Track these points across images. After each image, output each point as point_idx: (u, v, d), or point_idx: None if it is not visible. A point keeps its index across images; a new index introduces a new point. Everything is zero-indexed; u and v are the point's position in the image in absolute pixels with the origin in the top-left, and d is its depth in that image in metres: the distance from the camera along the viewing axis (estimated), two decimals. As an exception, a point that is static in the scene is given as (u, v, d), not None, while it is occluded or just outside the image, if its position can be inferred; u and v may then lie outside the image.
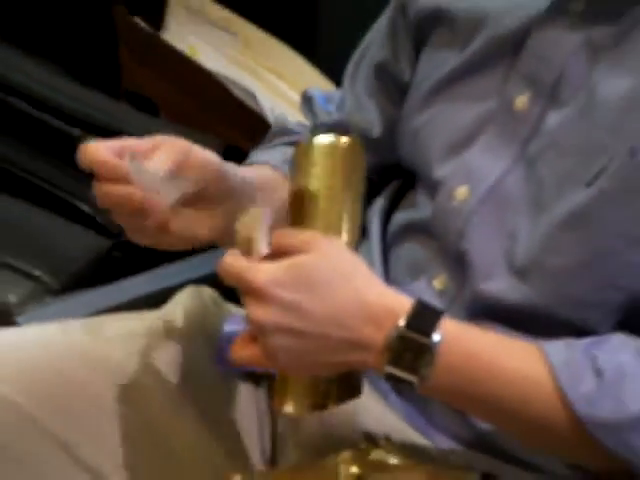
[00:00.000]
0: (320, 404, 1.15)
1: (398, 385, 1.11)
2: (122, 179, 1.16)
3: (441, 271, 1.25)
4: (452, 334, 1.09)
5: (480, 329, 1.14)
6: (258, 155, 1.43)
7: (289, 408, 1.14)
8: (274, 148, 1.43)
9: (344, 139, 1.22)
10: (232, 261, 1.08)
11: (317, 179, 1.20)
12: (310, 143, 1.21)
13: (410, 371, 1.08)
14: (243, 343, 1.10)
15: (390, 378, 1.08)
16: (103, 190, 1.17)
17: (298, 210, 1.20)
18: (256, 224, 1.15)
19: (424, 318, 1.09)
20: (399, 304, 1.09)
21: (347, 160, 1.23)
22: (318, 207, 1.20)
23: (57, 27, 1.96)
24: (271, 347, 1.07)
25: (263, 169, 1.37)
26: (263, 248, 1.11)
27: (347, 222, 1.20)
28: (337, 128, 1.38)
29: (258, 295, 1.06)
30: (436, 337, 1.07)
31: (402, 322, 1.07)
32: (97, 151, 1.16)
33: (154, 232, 1.20)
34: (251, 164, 1.40)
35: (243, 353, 1.10)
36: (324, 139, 1.22)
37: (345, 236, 1.19)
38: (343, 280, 1.11)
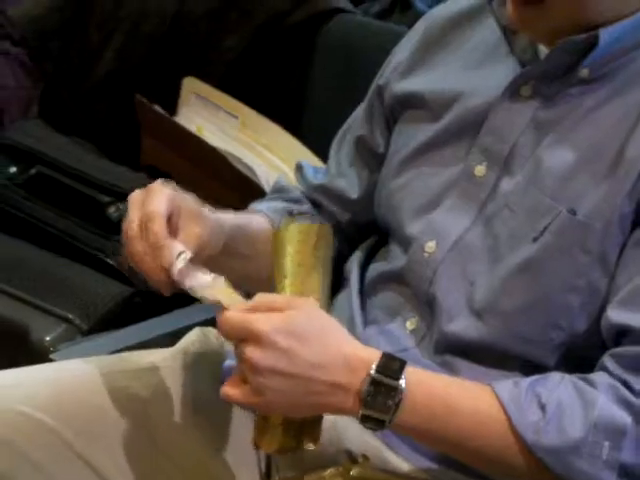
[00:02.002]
0: (289, 445, 1.13)
1: (371, 426, 1.10)
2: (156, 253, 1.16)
3: (413, 314, 1.24)
4: (415, 379, 1.08)
5: (438, 374, 1.14)
6: (256, 204, 1.41)
7: (265, 447, 1.15)
8: (269, 200, 1.42)
9: (314, 226, 1.24)
10: (233, 313, 1.07)
11: (291, 258, 1.19)
12: (286, 228, 1.21)
13: (382, 411, 1.07)
14: (233, 383, 1.08)
15: (364, 419, 1.07)
16: (139, 253, 1.17)
17: (279, 279, 1.19)
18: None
19: (391, 366, 1.08)
20: (370, 355, 1.09)
21: (316, 241, 1.21)
22: (295, 279, 1.19)
23: (90, 113, 1.96)
24: (262, 385, 1.05)
25: (257, 216, 1.36)
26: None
27: (320, 292, 1.19)
28: (319, 195, 1.42)
29: (258, 340, 1.04)
30: (402, 381, 1.06)
31: (373, 369, 1.06)
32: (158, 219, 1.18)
33: (171, 285, 1.19)
34: (248, 210, 1.39)
35: (232, 392, 1.08)
36: (296, 226, 1.22)
37: (318, 298, 1.18)
38: (325, 334, 1.10)
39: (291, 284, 1.17)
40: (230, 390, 1.07)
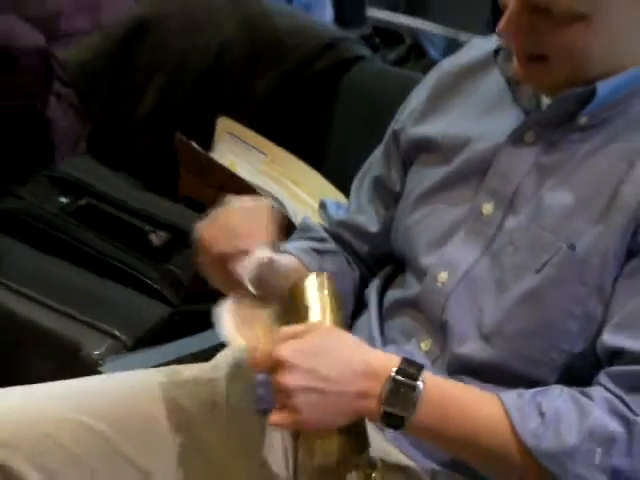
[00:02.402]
0: (343, 452, 1.12)
1: (390, 425, 1.09)
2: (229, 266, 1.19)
3: (427, 337, 1.24)
4: (431, 382, 1.08)
5: (452, 381, 1.14)
6: (285, 244, 1.38)
7: (318, 459, 1.13)
8: (296, 240, 1.40)
9: (320, 276, 1.20)
10: (256, 352, 1.09)
11: (306, 297, 1.18)
12: (302, 283, 1.18)
13: (401, 408, 1.07)
14: (276, 412, 1.08)
15: (385, 416, 1.07)
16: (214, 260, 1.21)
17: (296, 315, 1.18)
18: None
19: (410, 369, 1.08)
20: (390, 360, 1.09)
21: (327, 289, 1.19)
22: (312, 310, 1.18)
23: (133, 149, 1.94)
24: (297, 405, 1.05)
25: (286, 255, 1.34)
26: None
27: (333, 319, 1.18)
28: (342, 229, 1.40)
29: (284, 366, 1.05)
30: (420, 382, 1.06)
31: (394, 371, 1.06)
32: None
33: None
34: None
35: (277, 419, 1.08)
36: (309, 279, 1.20)
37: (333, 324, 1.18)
38: (345, 347, 1.11)
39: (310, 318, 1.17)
40: (275, 418, 1.08)
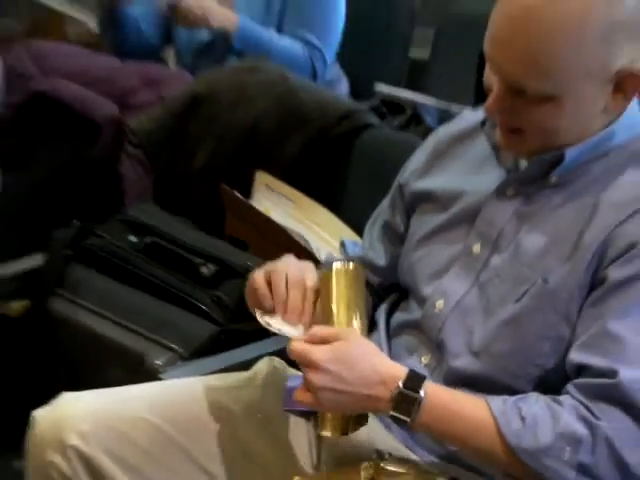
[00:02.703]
0: (344, 431, 1.11)
1: (397, 423, 1.09)
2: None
3: (427, 352, 1.23)
4: (431, 391, 1.08)
5: (448, 388, 1.13)
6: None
7: (326, 433, 1.12)
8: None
9: (350, 264, 1.19)
10: (298, 344, 1.08)
11: (337, 294, 1.16)
12: (332, 269, 1.18)
13: (406, 414, 1.07)
14: (301, 392, 1.08)
15: (393, 418, 1.08)
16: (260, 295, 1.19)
17: (327, 311, 1.16)
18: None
19: (414, 381, 1.08)
20: (399, 372, 1.08)
21: (355, 279, 1.18)
22: (339, 310, 1.16)
23: (188, 197, 1.95)
24: (320, 398, 1.06)
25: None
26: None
27: (359, 319, 1.16)
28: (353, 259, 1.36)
29: (314, 366, 1.05)
30: (422, 392, 1.06)
31: (401, 383, 1.06)
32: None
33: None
34: None
35: (301, 397, 1.08)
36: (339, 265, 1.18)
37: (359, 327, 1.15)
38: (365, 358, 1.09)
39: (338, 320, 1.15)
40: (299, 396, 1.08)
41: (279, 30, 2.27)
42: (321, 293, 1.17)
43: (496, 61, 1.10)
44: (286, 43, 2.23)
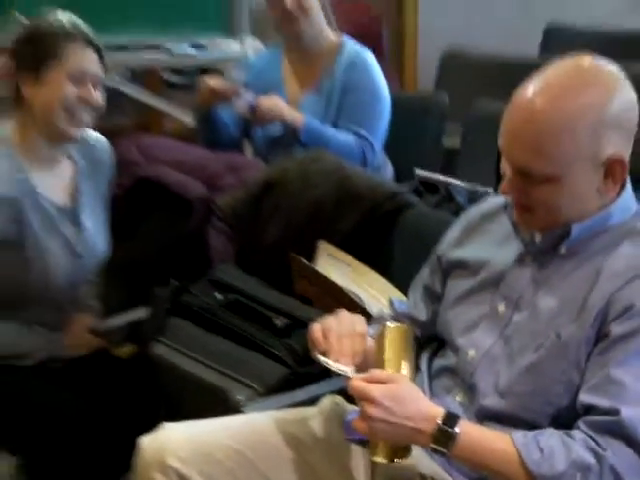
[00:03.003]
0: (392, 458, 1.12)
1: (437, 453, 1.11)
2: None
3: (461, 392, 1.23)
4: (465, 428, 1.09)
5: (478, 426, 1.13)
6: (369, 329, 1.36)
7: (378, 459, 1.13)
8: (373, 326, 1.37)
9: (402, 325, 1.22)
10: (358, 382, 1.09)
11: (390, 346, 1.18)
12: (386, 326, 1.20)
13: (443, 447, 1.08)
14: (359, 422, 1.09)
15: (433, 450, 1.09)
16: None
17: (383, 359, 1.17)
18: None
19: (450, 419, 1.09)
20: (438, 412, 1.10)
21: (405, 335, 1.19)
22: (391, 358, 1.17)
23: (263, 262, 1.93)
24: (373, 427, 1.08)
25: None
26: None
27: (407, 366, 1.16)
28: (403, 318, 1.38)
29: (372, 402, 1.08)
30: (457, 429, 1.05)
31: (440, 421, 1.08)
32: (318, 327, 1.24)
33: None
34: None
35: (358, 426, 1.10)
36: (393, 325, 1.21)
37: (407, 373, 1.17)
38: (412, 398, 1.11)
39: (390, 367, 1.16)
40: (357, 425, 1.10)
41: (335, 125, 2.26)
42: (378, 343, 1.19)
43: (507, 150, 1.13)
44: (342, 136, 2.22)
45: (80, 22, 1.63)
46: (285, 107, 2.24)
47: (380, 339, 1.19)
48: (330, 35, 2.29)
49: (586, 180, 1.12)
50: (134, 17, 3.39)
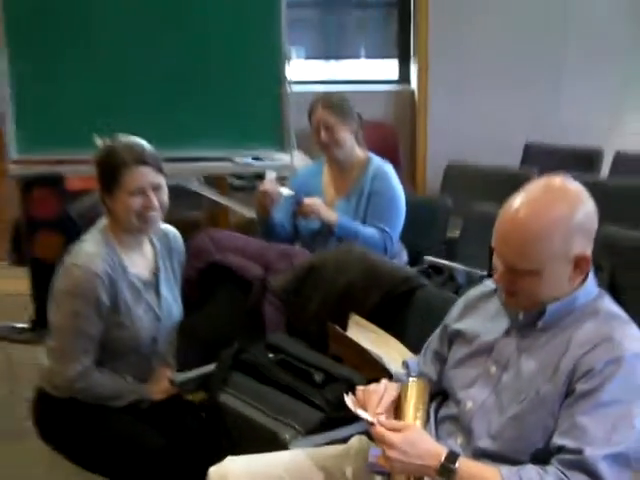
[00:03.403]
0: None
1: None
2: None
3: (460, 436, 1.23)
4: (463, 464, 1.10)
5: (474, 462, 1.13)
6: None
7: None
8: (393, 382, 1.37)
9: (421, 381, 1.25)
10: (381, 430, 1.11)
11: (409, 398, 1.20)
12: (409, 382, 1.23)
13: (446, 477, 1.10)
14: (382, 459, 1.11)
15: None
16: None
17: (402, 411, 1.22)
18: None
19: (452, 457, 1.11)
20: (442, 451, 1.11)
21: (422, 390, 1.22)
22: (409, 410, 1.20)
23: (306, 330, 1.92)
24: (392, 464, 1.10)
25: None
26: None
27: (421, 418, 1.19)
28: (419, 379, 1.34)
29: (391, 446, 1.11)
30: (457, 465, 1.10)
31: (443, 458, 1.10)
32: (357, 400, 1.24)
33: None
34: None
35: (382, 463, 1.13)
36: (413, 380, 1.25)
37: (420, 422, 1.18)
38: (422, 442, 1.13)
39: (407, 416, 1.19)
40: (381, 461, 1.13)
41: (363, 222, 2.31)
42: (402, 394, 1.21)
43: (499, 251, 1.17)
44: (368, 231, 2.26)
45: (135, 142, 1.60)
46: (323, 207, 2.29)
47: (403, 392, 1.22)
48: (359, 153, 2.33)
49: (559, 273, 1.15)
50: (209, 136, 3.53)
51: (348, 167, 2.31)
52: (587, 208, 1.14)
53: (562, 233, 1.11)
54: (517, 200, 1.14)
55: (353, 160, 2.31)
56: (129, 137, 1.63)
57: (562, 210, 1.11)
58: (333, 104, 2.20)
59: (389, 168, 2.32)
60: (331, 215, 2.29)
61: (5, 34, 3.21)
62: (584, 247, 1.14)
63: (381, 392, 1.24)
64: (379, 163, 2.32)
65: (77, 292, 1.56)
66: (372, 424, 1.16)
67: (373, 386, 1.27)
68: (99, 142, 1.65)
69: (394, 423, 1.15)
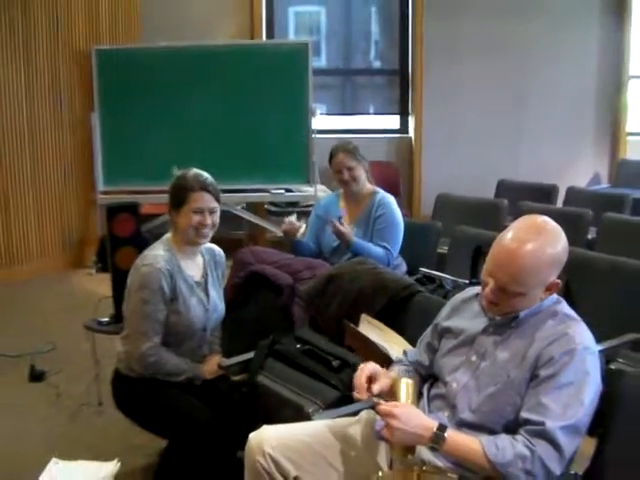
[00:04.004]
0: (405, 454, 1.12)
1: (432, 450, 1.07)
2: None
3: (447, 410, 1.22)
4: (451, 434, 1.10)
5: (459, 432, 1.13)
6: (394, 368, 1.38)
7: (396, 454, 1.14)
8: (393, 367, 1.38)
9: (410, 381, 1.21)
10: (384, 405, 1.11)
11: (402, 393, 1.19)
12: (401, 381, 1.21)
13: (437, 445, 1.10)
14: (385, 431, 1.09)
15: (430, 448, 1.12)
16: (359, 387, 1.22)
17: (398, 396, 1.19)
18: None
19: (442, 428, 1.11)
20: (433, 423, 1.11)
21: (412, 387, 1.20)
22: (403, 395, 1.19)
23: (326, 327, 1.90)
24: (392, 432, 1.14)
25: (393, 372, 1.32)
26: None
27: (413, 399, 1.17)
28: (413, 363, 1.35)
29: (393, 416, 1.10)
30: (446, 434, 1.05)
31: (435, 429, 1.10)
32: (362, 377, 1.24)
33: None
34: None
35: (384, 433, 1.11)
36: (404, 380, 1.21)
37: (414, 403, 1.17)
38: (417, 416, 1.13)
39: (403, 399, 1.17)
40: (384, 433, 1.10)
41: (370, 241, 2.35)
42: (395, 386, 1.21)
43: (494, 273, 1.16)
44: (375, 249, 2.29)
45: (203, 174, 1.66)
46: (350, 232, 2.33)
47: (396, 385, 1.21)
48: (369, 187, 2.39)
49: (537, 294, 1.17)
50: (252, 173, 3.89)
51: (360, 198, 2.37)
52: (564, 244, 1.14)
53: (548, 266, 1.13)
54: (512, 234, 1.13)
55: (364, 192, 2.38)
56: (197, 170, 1.69)
57: (550, 249, 1.12)
58: (350, 150, 2.31)
59: (391, 198, 2.36)
60: (352, 237, 2.34)
61: (97, 99, 3.81)
62: (557, 274, 1.15)
63: (368, 372, 1.23)
64: (383, 194, 2.38)
65: (145, 284, 1.60)
66: (378, 403, 1.16)
67: (368, 367, 1.26)
68: (175, 171, 1.74)
69: (395, 403, 1.15)
